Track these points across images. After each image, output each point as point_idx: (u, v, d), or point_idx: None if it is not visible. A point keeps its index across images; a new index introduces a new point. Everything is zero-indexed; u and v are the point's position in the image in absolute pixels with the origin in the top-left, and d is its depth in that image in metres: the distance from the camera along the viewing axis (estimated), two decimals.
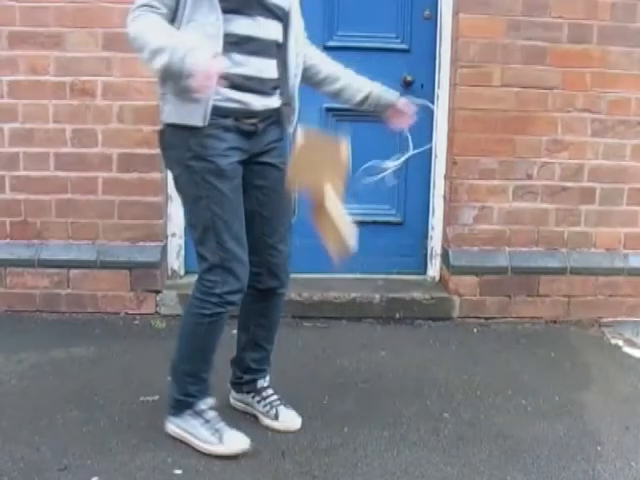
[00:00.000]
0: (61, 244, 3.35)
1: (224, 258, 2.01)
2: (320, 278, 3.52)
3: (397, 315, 3.41)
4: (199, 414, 2.13)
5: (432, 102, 3.55)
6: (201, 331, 2.08)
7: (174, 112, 1.99)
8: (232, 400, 2.40)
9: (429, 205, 3.63)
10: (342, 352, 2.95)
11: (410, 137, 2.28)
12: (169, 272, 3.52)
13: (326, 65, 2.25)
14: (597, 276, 3.49)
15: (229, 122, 2.00)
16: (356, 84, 2.24)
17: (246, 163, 2.09)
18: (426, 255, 3.68)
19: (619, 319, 3.49)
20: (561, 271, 3.46)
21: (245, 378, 2.34)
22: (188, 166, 2.00)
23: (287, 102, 2.15)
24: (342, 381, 2.48)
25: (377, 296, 3.41)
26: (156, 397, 2.45)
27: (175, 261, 3.52)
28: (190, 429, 2.13)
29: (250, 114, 2.04)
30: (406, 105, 2.24)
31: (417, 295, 3.44)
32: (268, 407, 2.30)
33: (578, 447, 2.23)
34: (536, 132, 3.41)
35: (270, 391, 2.34)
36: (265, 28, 2.01)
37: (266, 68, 2.04)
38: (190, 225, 2.13)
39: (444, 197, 3.55)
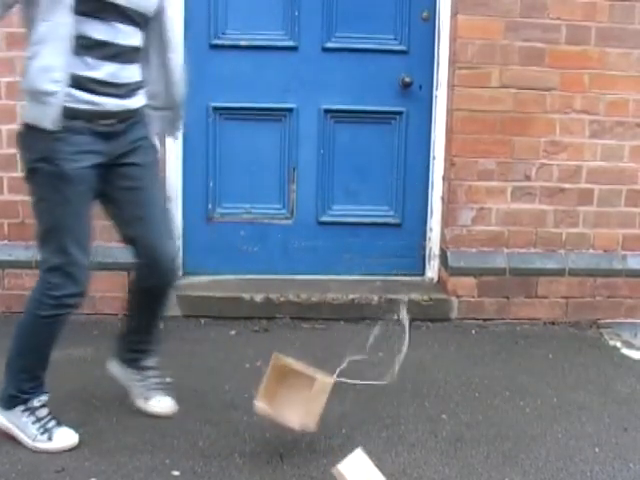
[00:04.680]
0: None
1: (64, 262, 2.01)
2: (318, 279, 3.52)
3: (395, 316, 3.41)
4: (31, 411, 2.11)
5: (431, 103, 3.57)
6: (37, 330, 2.09)
7: (27, 112, 1.99)
8: (110, 366, 2.40)
9: (427, 206, 3.64)
10: (340, 353, 2.94)
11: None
12: None
13: None
14: (595, 277, 3.49)
15: (80, 124, 1.97)
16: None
17: (110, 166, 2.08)
18: (424, 256, 3.68)
19: (617, 320, 3.49)
20: (559, 272, 3.46)
21: (128, 356, 2.36)
22: (35, 168, 2.00)
23: (169, 107, 2.18)
24: (340, 382, 2.47)
25: (375, 297, 3.41)
26: None
27: None
28: (20, 425, 2.12)
29: (104, 115, 2.02)
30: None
31: (415, 296, 3.43)
32: (144, 389, 2.33)
33: (576, 448, 2.23)
34: (534, 133, 3.41)
35: (152, 372, 2.35)
36: (122, 34, 1.99)
37: (122, 73, 2.02)
38: (36, 223, 2.08)
39: (442, 198, 3.55)
